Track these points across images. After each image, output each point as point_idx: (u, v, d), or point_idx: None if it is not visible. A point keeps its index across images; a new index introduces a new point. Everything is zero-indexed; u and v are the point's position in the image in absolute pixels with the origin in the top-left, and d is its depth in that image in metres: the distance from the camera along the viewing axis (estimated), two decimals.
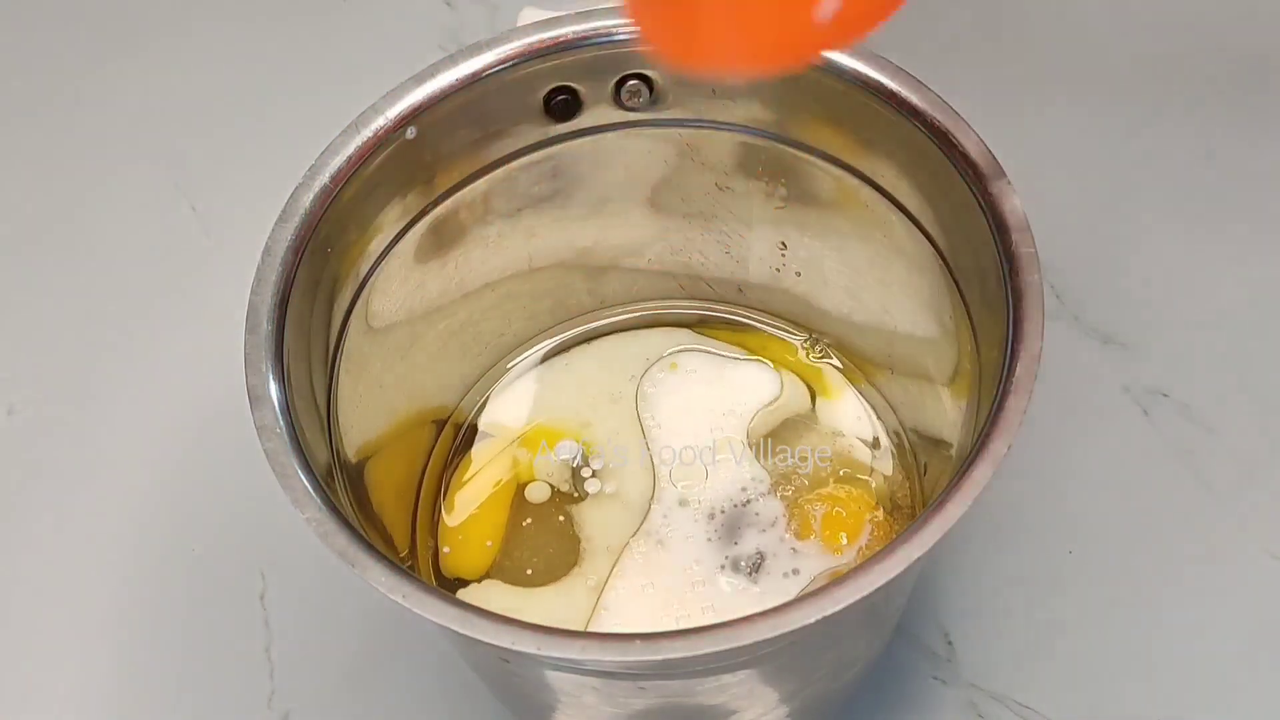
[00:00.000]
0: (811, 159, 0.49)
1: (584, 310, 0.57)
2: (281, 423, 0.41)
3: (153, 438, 0.63)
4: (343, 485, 0.44)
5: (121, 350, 0.66)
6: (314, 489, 0.40)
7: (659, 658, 0.37)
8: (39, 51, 0.77)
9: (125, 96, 0.75)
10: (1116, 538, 0.57)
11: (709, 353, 0.57)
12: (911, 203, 0.48)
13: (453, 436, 0.56)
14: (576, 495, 0.54)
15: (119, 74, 0.76)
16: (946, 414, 0.49)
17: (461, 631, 0.38)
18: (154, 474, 0.62)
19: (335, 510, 0.40)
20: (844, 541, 0.51)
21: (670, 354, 0.57)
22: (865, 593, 0.38)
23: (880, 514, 0.52)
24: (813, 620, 0.37)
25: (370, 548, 0.39)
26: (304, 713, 0.56)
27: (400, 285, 0.50)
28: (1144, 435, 0.60)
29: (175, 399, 0.64)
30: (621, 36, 0.47)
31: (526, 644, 0.38)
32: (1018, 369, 0.41)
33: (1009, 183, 0.43)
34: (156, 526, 0.61)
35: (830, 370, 0.56)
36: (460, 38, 0.73)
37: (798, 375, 0.56)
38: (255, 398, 0.42)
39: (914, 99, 0.45)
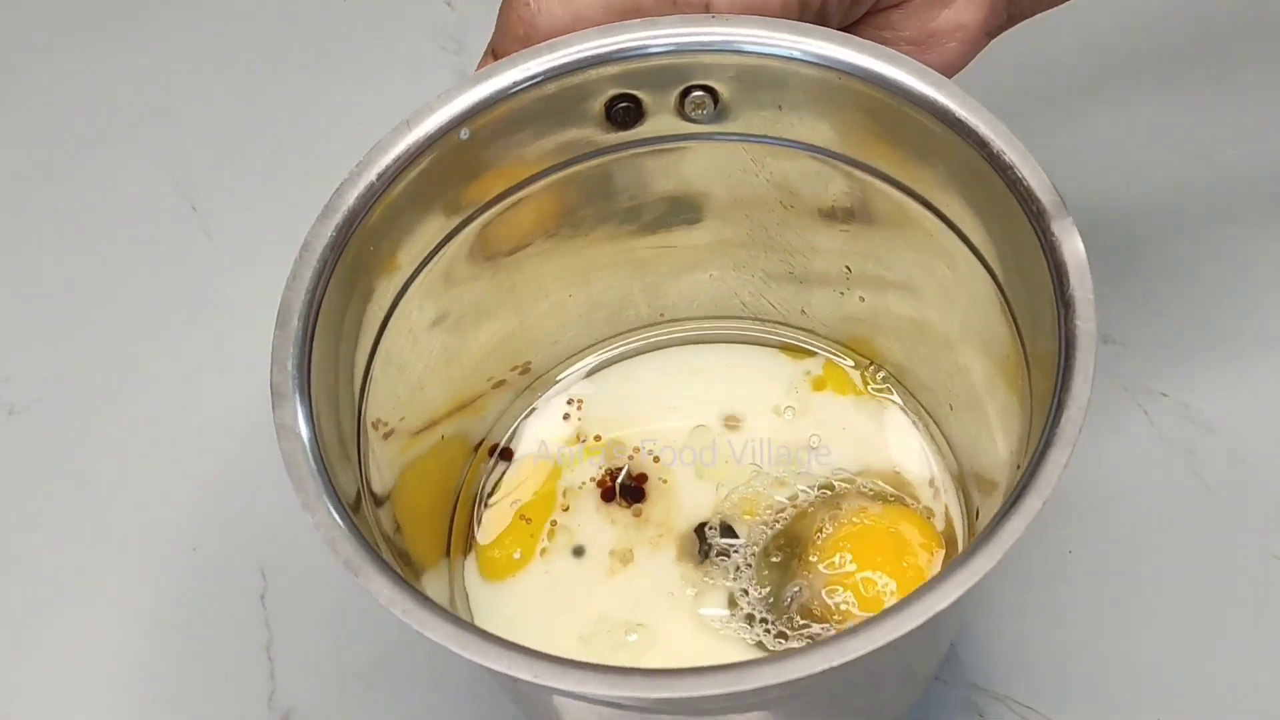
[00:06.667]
0: (878, 183, 0.48)
1: (642, 323, 0.56)
2: (302, 423, 0.41)
3: (152, 437, 0.63)
4: (365, 492, 0.44)
5: (121, 350, 0.66)
6: (328, 494, 0.40)
7: (656, 695, 0.36)
8: (38, 50, 0.78)
9: (125, 97, 0.75)
10: (1116, 538, 0.57)
11: (769, 377, 0.56)
12: (975, 235, 0.46)
13: (495, 445, 0.55)
14: (623, 509, 0.53)
15: (119, 74, 0.76)
16: (1000, 455, 0.47)
17: (458, 652, 0.37)
18: (154, 473, 0.62)
19: (347, 516, 0.39)
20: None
21: (731, 374, 0.56)
22: (876, 645, 0.36)
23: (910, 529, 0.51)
24: (818, 670, 0.36)
25: (376, 558, 0.39)
26: (304, 713, 0.56)
27: (447, 288, 0.49)
28: (1144, 435, 0.59)
29: (175, 398, 0.64)
30: (688, 46, 0.46)
31: (523, 671, 0.36)
32: (1062, 420, 0.39)
33: (1072, 223, 0.42)
34: (157, 526, 0.61)
35: (890, 404, 0.55)
36: (461, 38, 0.73)
37: (861, 406, 0.55)
38: (278, 396, 0.41)
39: (981, 129, 0.43)
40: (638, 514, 0.53)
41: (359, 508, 0.42)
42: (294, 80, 0.74)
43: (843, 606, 0.49)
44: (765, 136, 0.48)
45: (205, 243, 0.69)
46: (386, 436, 0.47)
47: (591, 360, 0.57)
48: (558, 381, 0.56)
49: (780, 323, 0.56)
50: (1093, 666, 0.54)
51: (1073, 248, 0.41)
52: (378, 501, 0.45)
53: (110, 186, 0.72)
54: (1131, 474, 0.58)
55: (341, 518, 0.39)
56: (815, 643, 0.36)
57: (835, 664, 0.36)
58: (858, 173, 0.48)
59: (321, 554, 0.55)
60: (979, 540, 0.38)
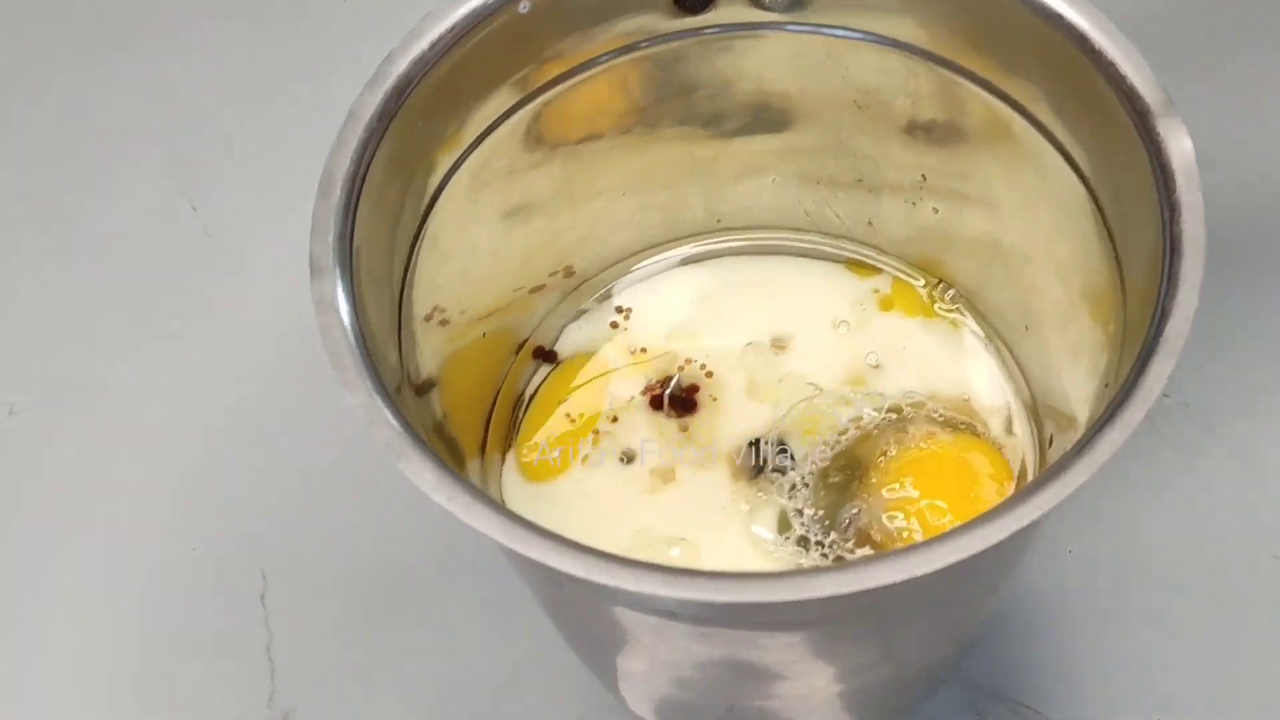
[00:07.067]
0: (963, 82, 0.44)
1: (697, 229, 0.53)
2: (342, 299, 0.38)
3: (152, 437, 0.62)
4: (406, 381, 0.41)
5: (121, 350, 0.65)
6: (368, 373, 0.37)
7: (722, 599, 0.33)
8: (38, 51, 0.76)
9: (125, 97, 0.74)
10: (1116, 537, 0.56)
11: (835, 293, 0.53)
12: (1068, 139, 0.43)
13: (539, 347, 0.52)
14: (671, 422, 0.50)
15: (119, 74, 0.74)
16: (1082, 381, 0.44)
17: (506, 544, 0.34)
18: (153, 473, 0.61)
19: (388, 398, 0.36)
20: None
21: (794, 289, 0.53)
22: (958, 557, 0.33)
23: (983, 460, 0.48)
24: (899, 580, 0.33)
25: (421, 443, 0.36)
26: (304, 713, 0.55)
27: (499, 174, 0.46)
28: (1144, 435, 0.57)
29: (174, 399, 0.63)
30: None
31: (574, 566, 0.34)
32: (1167, 329, 0.37)
33: (1180, 122, 0.38)
34: (156, 526, 0.60)
35: (962, 327, 0.52)
36: None
37: (930, 328, 0.52)
38: (317, 269, 0.38)
39: (1080, 22, 0.40)
40: (685, 429, 0.50)
41: (400, 393, 0.39)
42: (294, 80, 0.73)
43: (904, 534, 0.46)
44: (844, 28, 0.45)
45: (205, 243, 0.68)
46: (429, 325, 0.44)
47: (642, 266, 0.53)
48: (607, 286, 0.53)
49: (844, 236, 0.53)
50: (1093, 667, 0.54)
51: (1180, 149, 0.38)
52: (419, 390, 0.42)
53: (110, 186, 0.71)
54: (1132, 473, 0.57)
55: (382, 399, 0.36)
56: (894, 552, 0.33)
57: (917, 574, 0.33)
58: (942, 70, 0.45)
59: (321, 554, 0.56)
60: (1072, 453, 0.35)
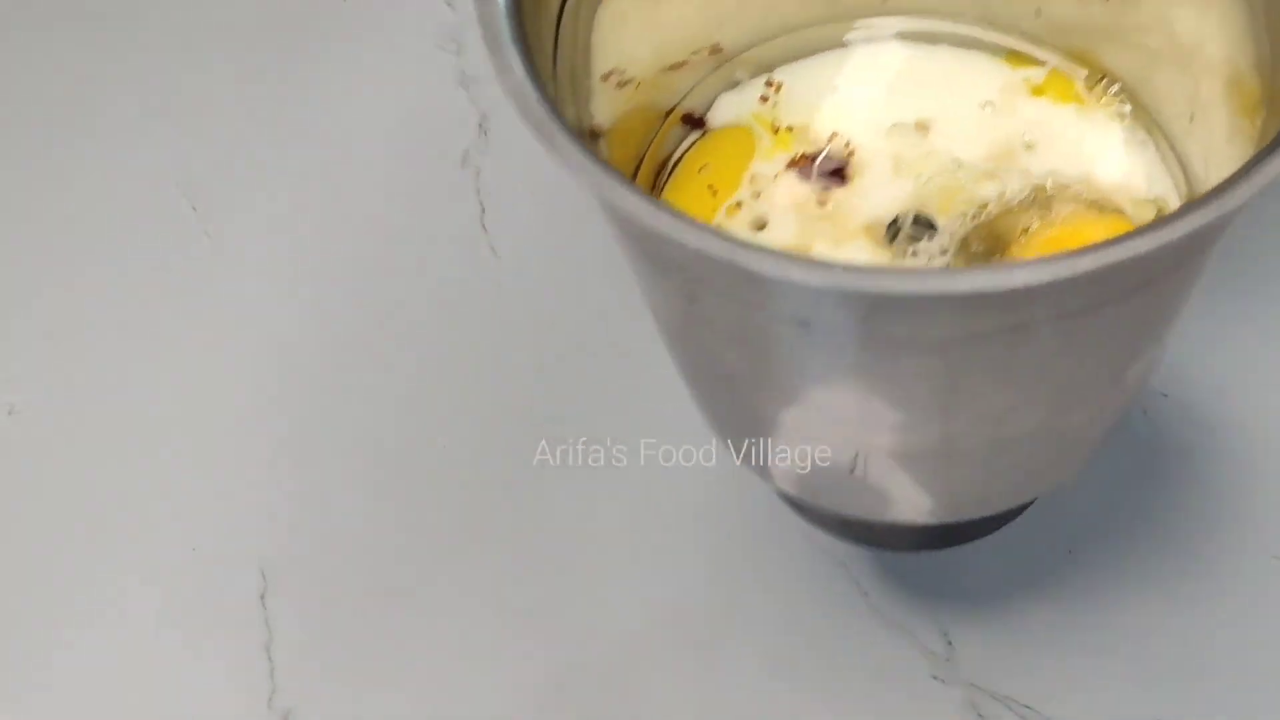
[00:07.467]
0: None
1: (859, 9, 0.52)
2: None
3: (152, 437, 0.62)
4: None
5: (121, 350, 0.66)
6: (522, 60, 0.37)
7: (870, 288, 0.33)
8: (38, 50, 0.76)
9: (126, 96, 0.74)
10: (1116, 538, 0.56)
11: (985, 80, 0.51)
12: None
13: (687, 114, 0.52)
14: (813, 195, 0.49)
15: (119, 73, 0.75)
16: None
17: (648, 224, 0.34)
18: (153, 473, 0.62)
19: (541, 87, 0.36)
20: None
21: (947, 75, 0.52)
22: (1107, 261, 0.32)
23: None
24: (1035, 281, 0.32)
25: (569, 127, 0.36)
26: (304, 713, 0.56)
27: None
28: (1144, 435, 0.58)
29: (174, 398, 0.63)
30: None
31: (716, 247, 0.33)
32: None
33: None
34: (157, 526, 0.60)
35: (1120, 117, 0.50)
36: (460, 38, 0.71)
37: (1084, 114, 0.51)
38: None
39: None
40: (823, 202, 0.49)
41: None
42: (293, 80, 0.73)
43: None
44: None
45: (205, 243, 0.69)
46: (580, 69, 0.44)
47: (798, 45, 0.53)
48: (761, 61, 0.52)
49: (1007, 27, 0.52)
50: (1093, 667, 0.54)
51: None
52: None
53: (110, 186, 0.71)
54: (1131, 474, 0.57)
55: (534, 85, 0.36)
56: (1042, 257, 0.33)
57: (1062, 275, 0.32)
58: None
59: (321, 553, 0.57)
60: (1233, 178, 0.34)
